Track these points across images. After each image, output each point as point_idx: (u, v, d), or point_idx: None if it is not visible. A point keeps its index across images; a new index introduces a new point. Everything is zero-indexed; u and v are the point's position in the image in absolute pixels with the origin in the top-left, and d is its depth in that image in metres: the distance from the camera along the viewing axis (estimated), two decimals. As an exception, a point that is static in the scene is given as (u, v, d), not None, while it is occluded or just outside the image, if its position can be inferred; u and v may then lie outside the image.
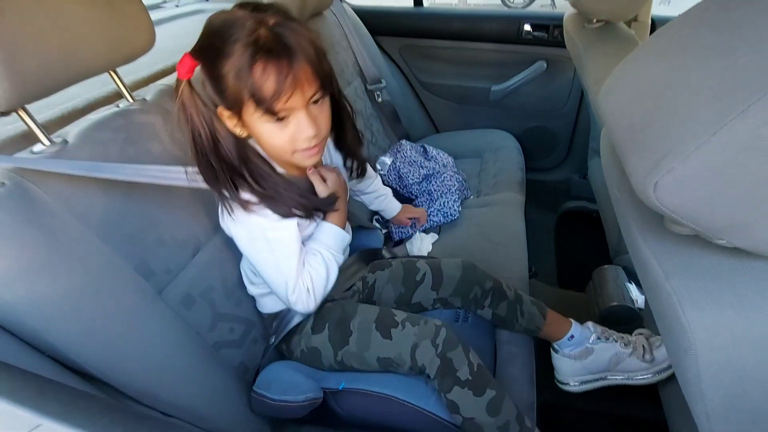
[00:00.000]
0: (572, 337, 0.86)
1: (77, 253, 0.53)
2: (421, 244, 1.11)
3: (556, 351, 0.88)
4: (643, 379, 0.84)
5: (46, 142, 0.58)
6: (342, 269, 0.77)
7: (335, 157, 0.83)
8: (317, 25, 1.34)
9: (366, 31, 1.57)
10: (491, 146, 1.52)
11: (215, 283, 0.72)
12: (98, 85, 0.82)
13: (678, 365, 0.39)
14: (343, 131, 0.77)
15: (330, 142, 0.79)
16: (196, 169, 0.63)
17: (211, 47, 0.57)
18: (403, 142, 1.44)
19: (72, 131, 0.62)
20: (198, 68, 0.60)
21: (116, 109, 0.68)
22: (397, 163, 1.34)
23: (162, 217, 0.66)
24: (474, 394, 0.67)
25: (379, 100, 1.49)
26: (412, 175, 1.31)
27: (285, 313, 0.78)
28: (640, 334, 0.88)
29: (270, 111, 0.57)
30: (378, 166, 1.35)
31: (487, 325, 0.89)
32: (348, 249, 0.80)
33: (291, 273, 0.68)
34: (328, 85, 0.62)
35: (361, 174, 0.88)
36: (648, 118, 0.35)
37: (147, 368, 0.59)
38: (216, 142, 0.61)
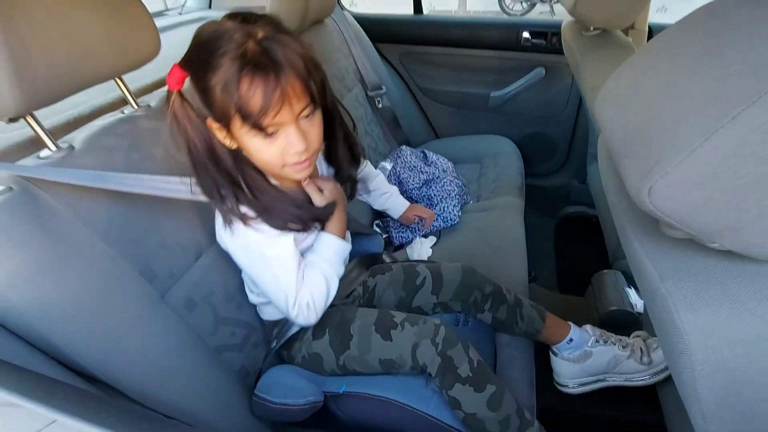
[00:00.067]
0: (571, 340, 0.87)
1: (83, 257, 0.54)
2: (421, 248, 1.11)
3: (555, 354, 0.89)
4: (641, 380, 0.85)
5: (53, 148, 0.59)
6: (342, 275, 0.77)
7: (328, 170, 0.80)
8: (319, 33, 1.35)
9: (367, 38, 1.59)
10: (490, 151, 1.53)
11: (217, 287, 0.73)
12: (103, 92, 0.84)
13: (673, 366, 0.39)
14: (334, 143, 0.75)
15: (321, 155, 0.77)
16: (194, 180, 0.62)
17: (198, 59, 0.56)
18: (404, 147, 1.45)
19: (78, 137, 0.63)
20: (188, 79, 0.59)
21: (121, 115, 0.70)
22: (398, 169, 1.35)
23: (165, 221, 0.67)
24: (475, 390, 0.68)
25: (380, 106, 1.51)
26: (413, 180, 1.32)
27: (285, 321, 0.78)
28: (638, 336, 0.89)
29: (257, 126, 0.56)
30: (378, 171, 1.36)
31: (487, 329, 0.90)
32: (348, 257, 0.80)
33: (290, 288, 0.67)
34: (320, 97, 0.60)
35: (351, 196, 0.83)
36: (642, 124, 0.36)
37: (149, 371, 0.59)
38: (212, 152, 0.60)
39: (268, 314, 0.79)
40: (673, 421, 0.71)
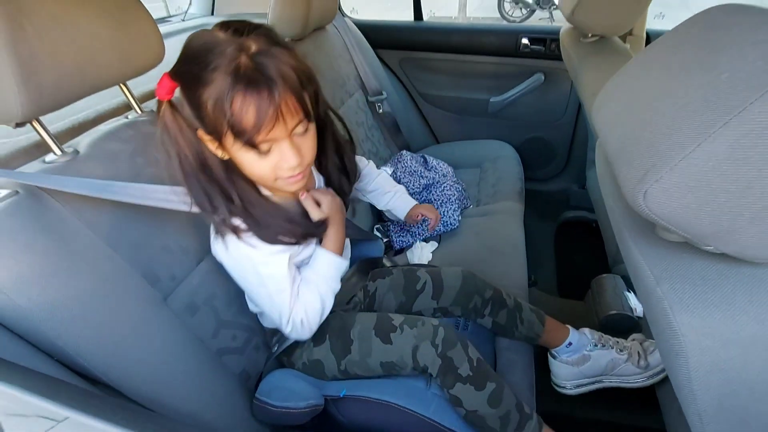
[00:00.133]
0: (570, 344, 0.88)
1: (88, 260, 0.55)
2: (422, 252, 1.12)
3: (554, 357, 0.90)
4: (638, 382, 0.86)
5: (58, 152, 0.60)
6: (342, 281, 0.77)
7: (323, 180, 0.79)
8: (320, 39, 1.37)
9: (367, 44, 1.61)
10: (490, 156, 1.54)
11: (218, 291, 0.73)
12: (108, 97, 0.85)
13: (670, 368, 0.40)
14: (324, 155, 0.73)
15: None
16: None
17: (189, 72, 0.54)
18: (404, 152, 1.46)
19: (83, 141, 0.64)
20: (178, 89, 0.58)
21: (125, 120, 0.70)
22: (398, 173, 1.36)
23: (167, 225, 0.67)
24: (475, 388, 0.69)
25: (380, 111, 1.52)
26: (413, 185, 1.32)
27: None
28: (635, 339, 0.90)
29: (250, 143, 0.55)
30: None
31: (487, 333, 0.90)
32: (347, 268, 0.79)
33: (284, 306, 0.66)
34: (314, 109, 0.59)
35: (347, 204, 0.81)
36: (637, 130, 0.37)
37: (152, 373, 0.60)
38: (204, 163, 0.59)
39: (268, 321, 0.78)
40: (672, 424, 0.71)
